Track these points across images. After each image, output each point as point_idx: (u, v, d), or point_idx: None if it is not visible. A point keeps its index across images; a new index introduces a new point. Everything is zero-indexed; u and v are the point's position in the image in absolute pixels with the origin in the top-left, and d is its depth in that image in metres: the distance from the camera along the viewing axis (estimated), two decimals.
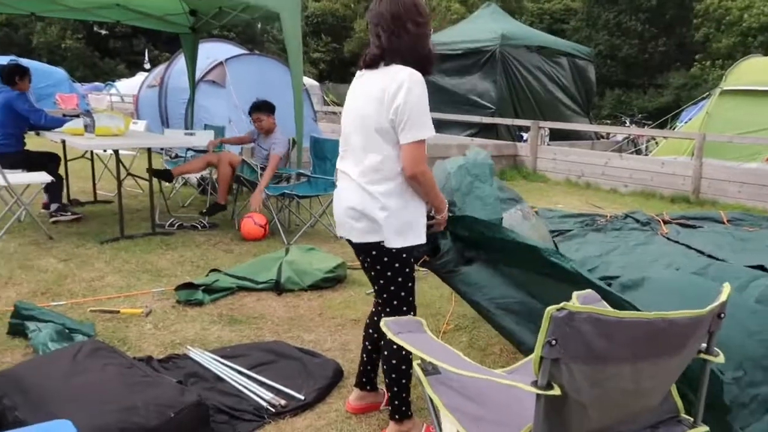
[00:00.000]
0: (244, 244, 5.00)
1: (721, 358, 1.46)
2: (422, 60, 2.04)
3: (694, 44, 31.82)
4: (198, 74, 7.92)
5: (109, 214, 5.69)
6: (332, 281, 4.03)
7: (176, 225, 5.43)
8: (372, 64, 2.07)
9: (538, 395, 1.26)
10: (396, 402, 2.22)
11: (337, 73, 39.32)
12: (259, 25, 35.31)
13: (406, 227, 2.07)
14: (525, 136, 11.00)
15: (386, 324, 1.63)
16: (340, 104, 21.54)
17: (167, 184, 6.33)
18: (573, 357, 1.23)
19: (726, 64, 25.24)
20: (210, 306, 3.62)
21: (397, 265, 2.12)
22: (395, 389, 2.20)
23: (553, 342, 1.21)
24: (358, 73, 2.16)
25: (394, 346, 2.15)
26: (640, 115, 20.29)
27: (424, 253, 2.51)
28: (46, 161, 5.43)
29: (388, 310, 2.21)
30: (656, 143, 11.61)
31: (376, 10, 2.05)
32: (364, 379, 2.48)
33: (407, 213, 2.07)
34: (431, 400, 1.62)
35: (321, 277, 4.00)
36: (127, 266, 4.29)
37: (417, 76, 1.98)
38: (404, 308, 2.20)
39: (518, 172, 9.83)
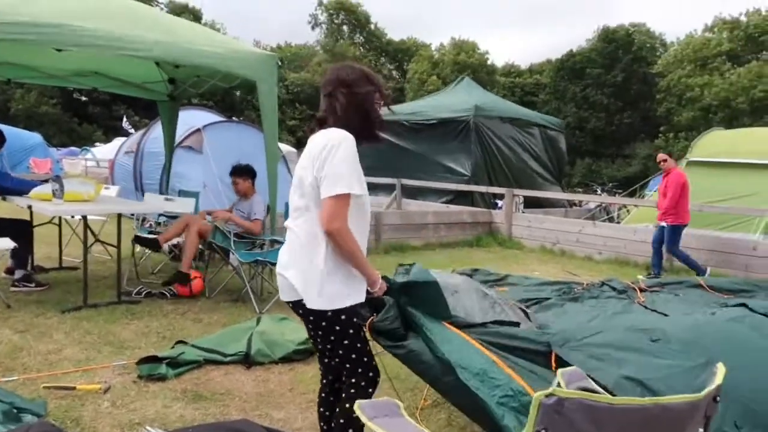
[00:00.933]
0: (213, 313, 4.82)
1: None
2: (366, 125, 2.12)
3: (658, 117, 33.34)
4: (175, 140, 7.90)
5: (73, 281, 5.47)
6: (305, 353, 3.86)
7: (144, 293, 5.22)
8: (317, 127, 2.14)
9: None
10: None
11: None
12: (238, 93, 35.97)
13: (333, 290, 2.04)
14: (500, 203, 11.13)
15: (360, 408, 1.52)
16: None
17: (137, 249, 6.15)
18: None
19: (689, 136, 26.39)
20: (174, 381, 3.41)
21: (337, 327, 2.08)
22: None
23: (543, 431, 1.11)
24: (309, 138, 2.20)
25: (350, 418, 2.05)
26: (610, 184, 20.86)
27: (368, 314, 2.29)
28: (14, 227, 5.23)
29: (346, 377, 2.17)
30: (628, 211, 11.83)
31: (326, 77, 2.16)
32: None
33: (336, 275, 2.04)
34: None
35: (293, 348, 3.83)
36: (88, 337, 4.06)
37: (346, 136, 2.03)
38: (360, 370, 2.14)
39: (493, 238, 9.86)
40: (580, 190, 21.58)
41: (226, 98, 35.62)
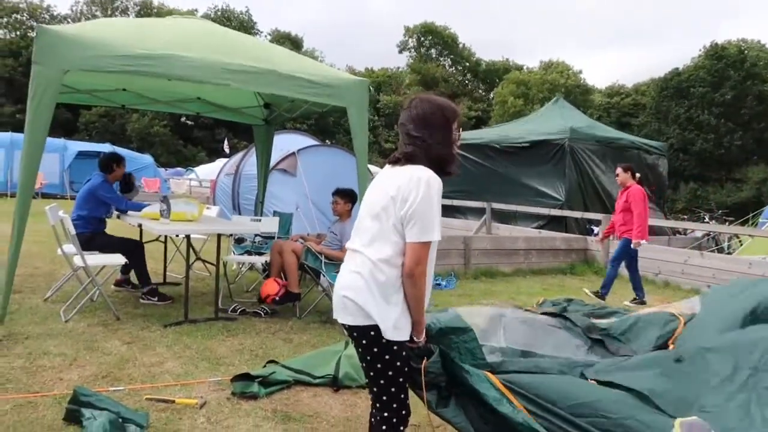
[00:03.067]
0: (303, 333, 4.90)
1: None
2: (442, 161, 2.13)
3: None
4: (271, 163, 8.23)
5: (175, 296, 5.78)
6: None
7: (239, 311, 5.42)
8: (396, 162, 2.15)
9: None
10: None
11: None
12: (331, 119, 37.08)
13: (400, 321, 2.08)
14: (596, 230, 10.63)
15: None
16: None
17: (233, 267, 6.38)
18: None
19: None
20: (265, 400, 3.48)
21: (387, 357, 2.09)
22: None
23: None
24: (385, 167, 2.21)
25: None
26: (719, 211, 19.37)
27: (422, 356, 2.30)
28: (127, 247, 5.62)
29: (379, 407, 2.17)
30: (740, 242, 10.92)
31: (405, 114, 2.17)
32: None
33: (400, 308, 2.08)
34: None
35: None
36: (187, 352, 4.26)
37: (433, 179, 2.05)
38: (394, 405, 2.15)
39: (588, 266, 9.41)
40: (684, 217, 20.20)
41: (319, 121, 36.90)
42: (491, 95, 43.50)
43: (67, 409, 3.04)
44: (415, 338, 2.16)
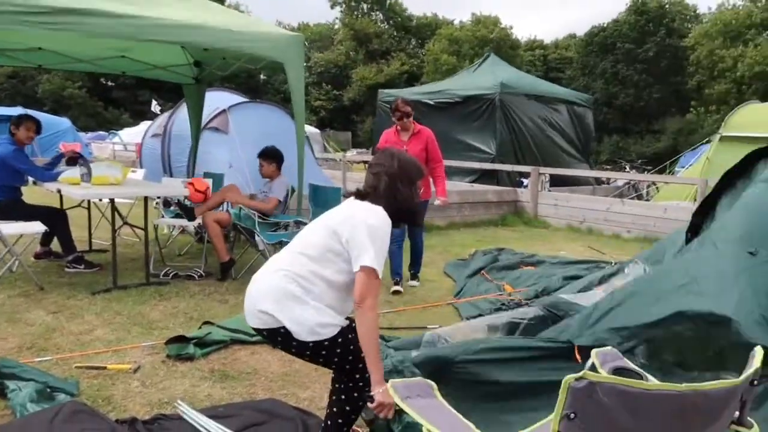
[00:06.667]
0: (239, 294, 4.85)
1: (755, 429, 1.32)
2: (403, 213, 2.29)
3: (689, 91, 32.35)
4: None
5: (103, 264, 5.57)
6: None
7: (171, 274, 5.30)
8: (359, 197, 2.28)
9: None
10: None
11: (337, 120, 39.90)
12: (261, 77, 36.03)
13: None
14: (525, 182, 10.97)
15: (394, 387, 1.50)
16: (340, 151, 21.71)
17: (164, 231, 6.19)
18: None
19: (721, 110, 25.58)
20: (201, 361, 3.45)
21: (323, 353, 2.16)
22: None
23: (572, 416, 1.08)
24: (350, 199, 2.32)
25: (346, 407, 2.21)
26: (639, 161, 20.40)
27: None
28: (49, 215, 5.34)
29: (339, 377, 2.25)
30: (657, 189, 11.57)
31: (384, 163, 2.28)
32: None
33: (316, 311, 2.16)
34: None
35: None
36: (118, 318, 4.14)
37: (386, 216, 2.19)
38: (356, 376, 2.19)
39: (519, 218, 9.74)
40: (608, 167, 21.13)
41: (249, 81, 35.73)
42: (423, 51, 43.28)
43: None
44: (370, 392, 2.04)
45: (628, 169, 17.76)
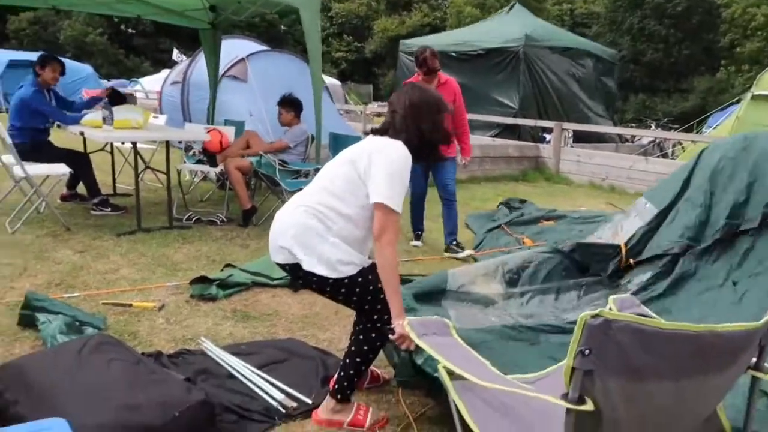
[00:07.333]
0: (260, 239, 4.93)
1: None
2: (424, 147, 2.25)
3: (720, 49, 31.18)
4: (220, 70, 7.88)
5: (128, 207, 5.66)
6: None
7: (194, 219, 5.38)
8: (378, 133, 2.29)
9: (568, 409, 1.15)
10: (345, 383, 2.28)
11: (359, 72, 39.30)
12: (282, 27, 35.44)
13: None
14: (548, 137, 10.81)
15: (410, 324, 1.53)
16: (362, 104, 21.48)
17: (186, 178, 6.24)
18: (608, 370, 1.11)
19: (753, 69, 24.68)
20: (224, 301, 3.54)
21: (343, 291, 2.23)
22: (350, 373, 2.26)
23: (587, 352, 1.09)
24: (368, 136, 2.33)
25: (364, 347, 2.24)
26: (665, 120, 19.91)
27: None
28: (73, 158, 5.40)
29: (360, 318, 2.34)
30: (683, 148, 11.33)
31: (401, 98, 2.26)
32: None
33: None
34: (456, 406, 1.51)
35: None
36: (142, 259, 4.24)
37: (405, 151, 2.17)
38: (375, 317, 2.21)
39: (540, 173, 9.65)
40: (633, 125, 20.69)
41: (270, 30, 35.18)
42: (447, 2, 42.07)
43: (20, 315, 3.02)
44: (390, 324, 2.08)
45: (653, 127, 17.34)
